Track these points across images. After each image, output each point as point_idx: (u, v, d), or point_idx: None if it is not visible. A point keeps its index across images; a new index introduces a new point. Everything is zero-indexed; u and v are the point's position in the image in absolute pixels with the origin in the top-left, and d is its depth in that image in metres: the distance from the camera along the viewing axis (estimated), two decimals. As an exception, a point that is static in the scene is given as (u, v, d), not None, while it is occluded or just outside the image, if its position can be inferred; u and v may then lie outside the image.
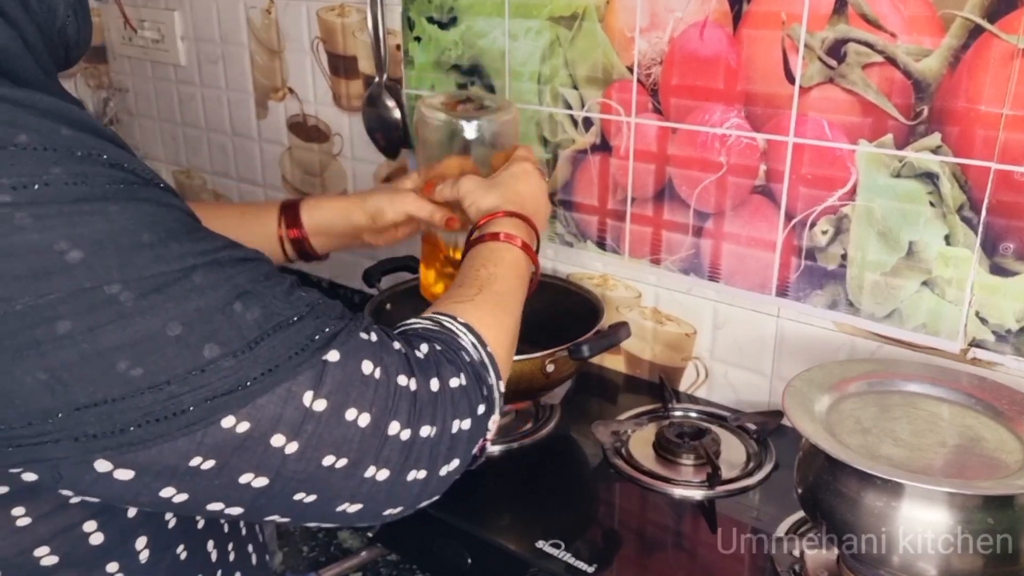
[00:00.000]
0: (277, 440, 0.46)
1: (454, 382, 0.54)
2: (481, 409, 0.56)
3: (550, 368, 0.89)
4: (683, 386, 1.09)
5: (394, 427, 0.50)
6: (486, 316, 0.62)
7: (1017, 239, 0.79)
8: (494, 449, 0.94)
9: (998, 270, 0.81)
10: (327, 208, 0.89)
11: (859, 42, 0.83)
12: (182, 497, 0.46)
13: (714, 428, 0.95)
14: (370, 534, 0.88)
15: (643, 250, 1.06)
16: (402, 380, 0.51)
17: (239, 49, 1.45)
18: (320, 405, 0.47)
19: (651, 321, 1.09)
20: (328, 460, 0.48)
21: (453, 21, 1.13)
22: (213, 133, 1.58)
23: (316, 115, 1.38)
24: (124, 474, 0.44)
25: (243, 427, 0.45)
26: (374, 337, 0.52)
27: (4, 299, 0.39)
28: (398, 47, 1.21)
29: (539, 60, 1.06)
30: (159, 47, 1.59)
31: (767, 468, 0.89)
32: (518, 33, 1.07)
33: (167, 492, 0.45)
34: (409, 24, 1.18)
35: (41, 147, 0.41)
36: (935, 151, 0.81)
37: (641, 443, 0.94)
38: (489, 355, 0.59)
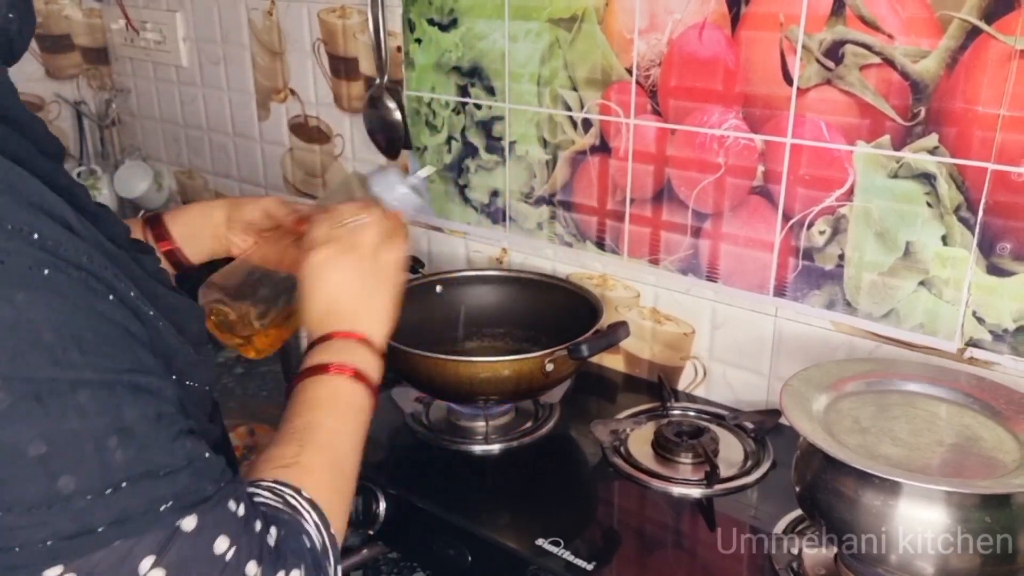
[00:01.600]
0: None
1: (295, 574, 0.49)
2: None
3: (549, 367, 0.89)
4: (682, 385, 1.09)
5: None
6: (321, 484, 0.56)
7: (1014, 239, 0.80)
8: (494, 448, 0.95)
9: (995, 270, 0.82)
10: (189, 212, 0.84)
11: (857, 43, 0.83)
12: None
13: (712, 427, 0.95)
14: (371, 532, 0.89)
15: (642, 250, 1.06)
16: (251, 568, 0.46)
17: (240, 50, 1.46)
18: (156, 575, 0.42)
19: (650, 321, 1.10)
20: None
21: (453, 23, 1.14)
22: (215, 134, 1.58)
23: (317, 116, 1.39)
24: None
25: None
26: (241, 511, 0.47)
27: None
28: (399, 49, 1.22)
29: (539, 62, 1.07)
30: (161, 48, 1.59)
31: (765, 467, 0.90)
32: (518, 35, 1.08)
33: None
34: (410, 26, 1.19)
35: None
36: (932, 152, 0.82)
37: (640, 442, 0.94)
38: (331, 537, 0.54)
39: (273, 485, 0.54)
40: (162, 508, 0.42)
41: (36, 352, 0.38)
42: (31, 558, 0.39)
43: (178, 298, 0.54)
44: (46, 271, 0.39)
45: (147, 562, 0.42)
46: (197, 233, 0.83)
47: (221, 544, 0.45)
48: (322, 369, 0.63)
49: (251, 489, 0.53)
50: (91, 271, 0.41)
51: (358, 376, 0.63)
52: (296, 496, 0.53)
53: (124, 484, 0.41)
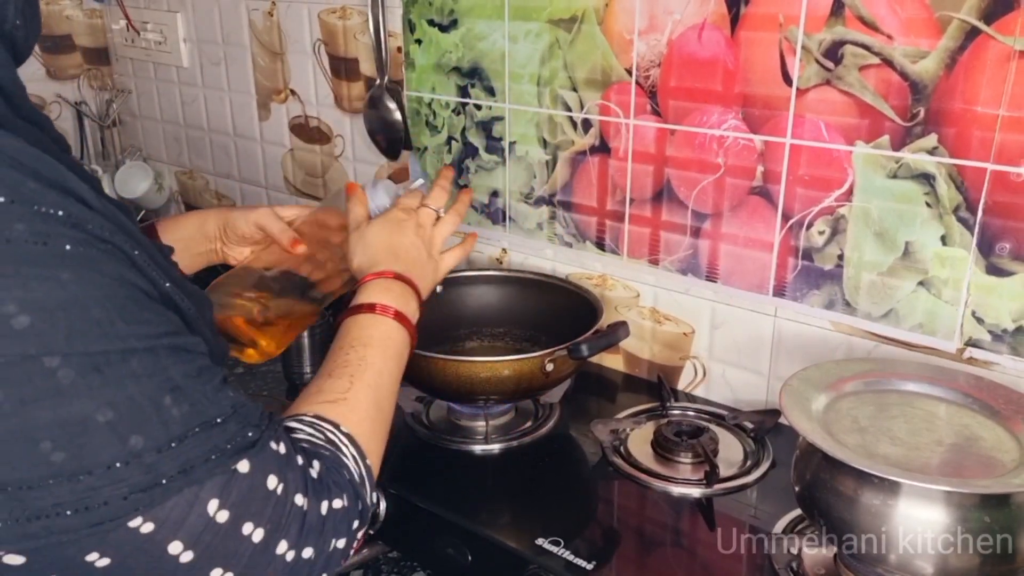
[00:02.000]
0: (174, 547, 0.45)
1: (337, 503, 0.54)
2: (356, 525, 0.56)
3: (549, 367, 0.89)
4: (681, 385, 1.09)
5: (282, 546, 0.50)
6: (364, 421, 0.61)
7: (1013, 239, 0.80)
8: (494, 447, 0.95)
9: (994, 270, 0.82)
10: (183, 223, 0.85)
11: (856, 44, 0.83)
12: None
13: (712, 427, 0.95)
14: (371, 531, 0.89)
15: (641, 250, 1.06)
16: (298, 500, 0.51)
17: (241, 51, 1.46)
18: (223, 516, 0.46)
19: (649, 321, 1.10)
20: (215, 573, 0.47)
21: (453, 24, 1.14)
22: (215, 134, 1.59)
23: (318, 117, 1.39)
24: (14, 559, 0.42)
25: (147, 528, 0.44)
26: (283, 449, 0.52)
27: None
28: (399, 49, 1.22)
29: (539, 62, 1.07)
30: (162, 49, 1.59)
31: (764, 466, 0.90)
32: (518, 36, 1.08)
33: None
34: (410, 26, 1.19)
35: (8, 199, 0.39)
36: (931, 152, 0.82)
37: (640, 441, 0.95)
38: (368, 469, 0.58)
39: (314, 420, 0.58)
40: (219, 455, 0.46)
41: (88, 327, 0.41)
42: (115, 512, 0.42)
43: (192, 285, 0.56)
44: (81, 248, 0.41)
45: (213, 504, 0.46)
46: (190, 244, 0.84)
47: (272, 481, 0.49)
48: (368, 308, 0.68)
49: (292, 424, 0.57)
50: (114, 243, 0.44)
51: (400, 318, 0.69)
52: (335, 431, 0.58)
53: (186, 436, 0.45)
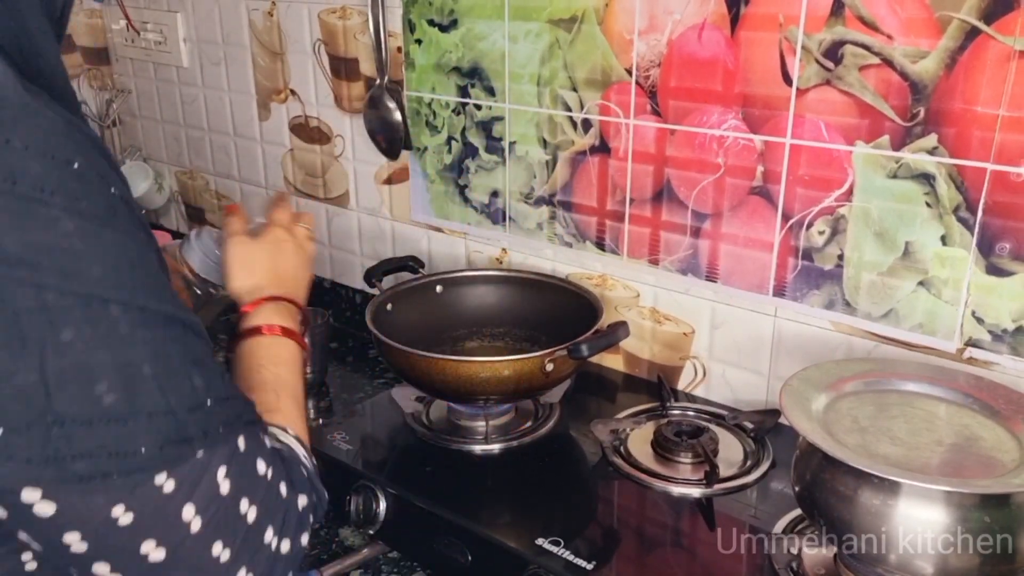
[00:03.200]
0: (187, 512, 0.47)
1: (302, 500, 0.57)
2: (312, 520, 0.58)
3: (549, 367, 0.89)
4: (681, 385, 1.09)
5: (268, 533, 0.52)
6: (299, 423, 0.65)
7: (1013, 239, 0.80)
8: (494, 447, 0.95)
9: (994, 270, 0.82)
10: None
11: (856, 44, 0.83)
12: (81, 547, 0.45)
13: (712, 427, 0.95)
14: (371, 531, 0.89)
15: (641, 250, 1.06)
16: (283, 489, 0.54)
17: (241, 51, 1.46)
18: (225, 487, 0.49)
19: (649, 321, 1.10)
20: (216, 549, 0.49)
21: (453, 24, 1.14)
22: (215, 134, 1.59)
23: (318, 117, 1.39)
24: (45, 509, 0.43)
25: (169, 486, 0.46)
26: (268, 442, 0.55)
27: (36, 286, 0.41)
28: (399, 49, 1.22)
29: (539, 62, 1.07)
30: (161, 49, 1.59)
31: (764, 466, 0.90)
32: (518, 35, 1.08)
33: (71, 538, 0.45)
34: (410, 26, 1.19)
35: (94, 173, 0.44)
36: (931, 152, 0.82)
37: (639, 441, 0.95)
38: (315, 465, 0.62)
39: (268, 425, 0.60)
40: (227, 427, 0.49)
41: (144, 285, 0.46)
42: (149, 462, 0.45)
43: None
44: (135, 224, 0.46)
45: (221, 472, 0.49)
46: None
47: (261, 466, 0.52)
48: (269, 330, 0.73)
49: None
50: (148, 230, 0.48)
51: (292, 335, 0.74)
52: (286, 433, 0.62)
53: (207, 403, 0.48)
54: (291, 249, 0.80)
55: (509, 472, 0.93)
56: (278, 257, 0.79)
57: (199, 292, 0.96)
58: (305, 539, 0.56)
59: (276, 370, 0.70)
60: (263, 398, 0.65)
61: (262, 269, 0.77)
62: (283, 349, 0.72)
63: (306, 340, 0.76)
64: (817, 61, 0.86)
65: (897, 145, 0.84)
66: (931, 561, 0.64)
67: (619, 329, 0.92)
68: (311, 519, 0.58)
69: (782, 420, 0.90)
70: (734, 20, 0.91)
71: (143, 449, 0.44)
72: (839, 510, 0.67)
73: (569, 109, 1.07)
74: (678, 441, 0.91)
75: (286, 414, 0.65)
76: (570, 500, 0.88)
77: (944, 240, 0.83)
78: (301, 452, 0.61)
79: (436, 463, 0.93)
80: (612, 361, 1.15)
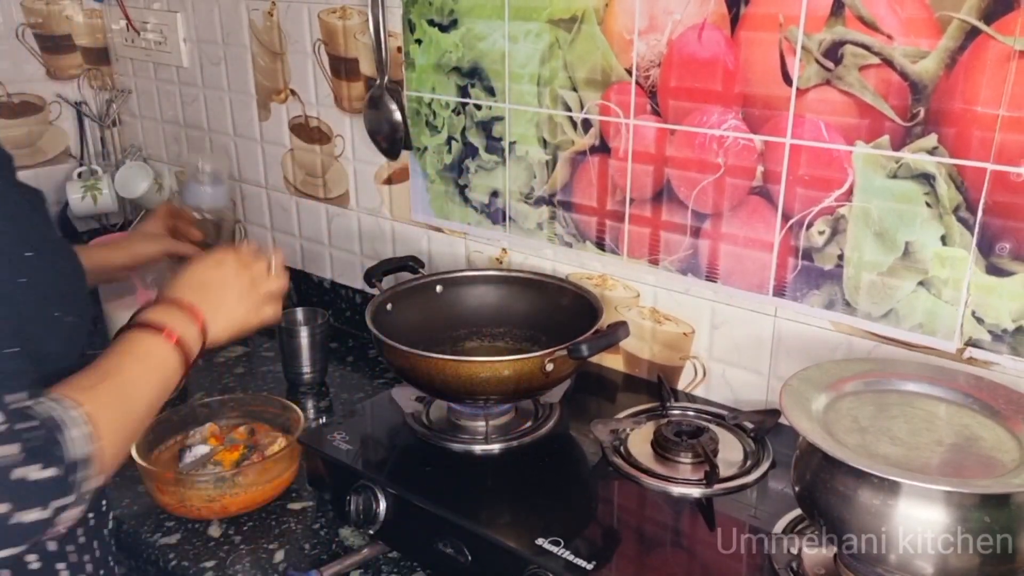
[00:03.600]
0: None
1: (43, 472, 0.57)
2: (60, 503, 0.59)
3: (549, 367, 0.89)
4: (681, 385, 1.09)
5: None
6: (105, 410, 0.64)
7: (1013, 239, 0.80)
8: (494, 447, 0.95)
9: (994, 270, 0.82)
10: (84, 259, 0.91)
11: (856, 44, 0.83)
12: None
13: (712, 427, 0.95)
14: (371, 532, 0.89)
15: (641, 250, 1.06)
16: (9, 449, 0.56)
17: (241, 51, 1.46)
18: None
19: (649, 321, 1.10)
20: None
21: (453, 24, 1.14)
22: (216, 134, 1.58)
23: (318, 116, 1.39)
24: None
25: None
26: (13, 403, 0.58)
27: None
28: (399, 49, 1.22)
29: (539, 62, 1.07)
30: (161, 49, 1.59)
31: (764, 466, 0.90)
32: (518, 36, 1.08)
33: None
34: (410, 26, 1.19)
35: None
36: (931, 152, 0.82)
37: (640, 441, 0.95)
38: (93, 452, 0.61)
39: (59, 396, 0.62)
40: None
41: None
42: None
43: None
44: None
45: None
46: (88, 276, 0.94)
47: None
48: (155, 328, 0.73)
49: (39, 398, 0.61)
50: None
51: (180, 345, 0.73)
52: (67, 405, 0.61)
53: None
54: (232, 269, 0.82)
55: (509, 472, 0.93)
56: (211, 272, 0.81)
57: (211, 219, 1.16)
58: (35, 514, 0.57)
59: (133, 366, 0.70)
60: (85, 376, 0.66)
61: (192, 278, 0.80)
62: (161, 357, 0.72)
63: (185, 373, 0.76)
64: (817, 61, 0.86)
65: (897, 145, 0.84)
66: (931, 561, 0.64)
67: (619, 329, 0.92)
68: (53, 498, 0.58)
69: (782, 420, 0.90)
70: (734, 20, 0.91)
71: None
72: (839, 510, 0.67)
73: (569, 109, 1.07)
74: (678, 441, 0.91)
75: (93, 395, 0.64)
76: (570, 500, 0.88)
77: (944, 240, 0.84)
78: (75, 431, 0.60)
79: (436, 463, 0.93)
80: (612, 361, 1.15)
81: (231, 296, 0.81)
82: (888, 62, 0.82)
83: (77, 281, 0.75)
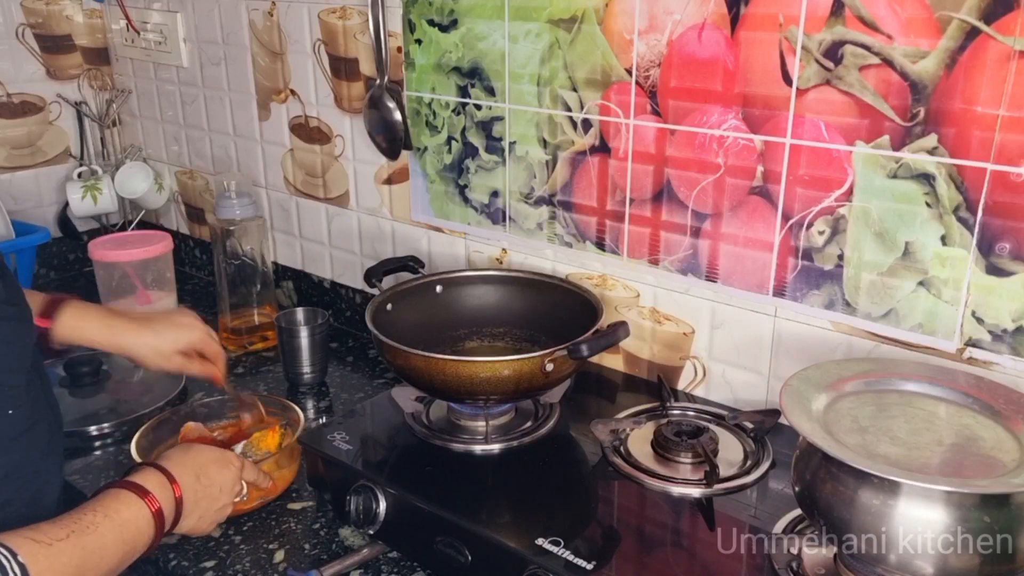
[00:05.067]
0: None
1: None
2: None
3: (549, 367, 0.89)
4: (681, 385, 1.09)
5: None
6: (57, 567, 0.63)
7: (1013, 239, 0.80)
8: (494, 447, 0.95)
9: (994, 270, 0.82)
10: (91, 322, 0.90)
11: (856, 44, 0.83)
12: None
13: (712, 427, 0.95)
14: (371, 532, 0.89)
15: (641, 250, 1.06)
16: None
17: (241, 51, 1.46)
18: None
19: (649, 321, 1.10)
20: None
21: (453, 24, 1.14)
22: (216, 134, 1.59)
23: (318, 116, 1.39)
24: None
25: None
26: None
27: None
28: (399, 49, 1.22)
29: (539, 62, 1.07)
30: (161, 49, 1.59)
31: (764, 466, 0.90)
32: (518, 36, 1.08)
33: None
34: (410, 26, 1.19)
35: None
36: (931, 152, 0.82)
37: (639, 441, 0.95)
38: None
39: (2, 541, 0.62)
40: None
41: None
42: None
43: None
44: None
45: None
46: (90, 343, 0.94)
47: None
48: (141, 492, 0.75)
49: None
50: None
51: (157, 516, 0.75)
52: (11, 561, 0.61)
53: None
54: (226, 493, 0.85)
55: (509, 472, 0.93)
56: (212, 467, 0.84)
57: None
58: None
59: (108, 531, 0.69)
60: (54, 526, 0.66)
61: (191, 459, 0.82)
62: (138, 529, 0.73)
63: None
64: (817, 61, 0.86)
65: (897, 145, 0.84)
66: (931, 561, 0.64)
67: (619, 329, 0.92)
68: None
69: (782, 420, 0.90)
70: (734, 20, 0.91)
71: None
72: (839, 510, 0.67)
73: (569, 109, 1.07)
74: (678, 441, 0.91)
75: (49, 552, 0.63)
76: (570, 500, 0.88)
77: (944, 240, 0.84)
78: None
79: (436, 463, 0.93)
80: (612, 361, 1.15)
81: (216, 501, 0.84)
82: (888, 62, 0.82)
83: (22, 349, 0.76)
